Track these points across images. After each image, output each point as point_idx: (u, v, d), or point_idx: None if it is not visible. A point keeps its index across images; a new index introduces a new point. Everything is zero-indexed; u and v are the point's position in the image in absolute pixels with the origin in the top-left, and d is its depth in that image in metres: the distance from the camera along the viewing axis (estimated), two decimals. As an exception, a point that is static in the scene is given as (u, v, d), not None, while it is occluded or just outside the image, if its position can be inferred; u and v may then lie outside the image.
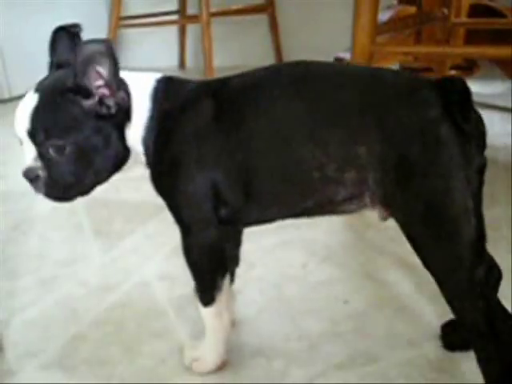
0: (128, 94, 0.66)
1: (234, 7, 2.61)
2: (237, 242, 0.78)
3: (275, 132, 0.63)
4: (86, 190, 0.67)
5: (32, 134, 0.63)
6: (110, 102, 0.64)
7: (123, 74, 0.66)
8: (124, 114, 0.66)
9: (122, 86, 0.65)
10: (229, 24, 2.81)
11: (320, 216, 0.68)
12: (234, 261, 0.78)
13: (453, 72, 2.16)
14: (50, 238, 1.09)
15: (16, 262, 1.01)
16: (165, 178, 0.68)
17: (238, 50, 2.96)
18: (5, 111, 2.42)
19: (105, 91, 0.64)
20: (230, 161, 0.64)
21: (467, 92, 0.62)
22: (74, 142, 0.63)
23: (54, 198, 0.67)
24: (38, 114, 0.63)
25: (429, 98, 0.61)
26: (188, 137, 0.66)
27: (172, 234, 1.07)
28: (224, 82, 0.70)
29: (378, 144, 0.59)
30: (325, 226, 1.07)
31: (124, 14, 2.70)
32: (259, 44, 2.91)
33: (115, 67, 0.63)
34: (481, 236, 0.62)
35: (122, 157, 0.67)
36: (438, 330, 0.76)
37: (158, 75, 0.70)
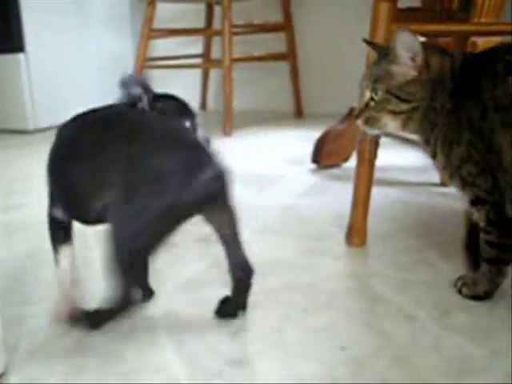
0: None
1: (256, 54, 2.69)
2: None
3: None
4: None
5: None
6: None
7: None
8: None
9: None
10: (251, 69, 2.90)
11: None
12: None
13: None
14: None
15: (27, 288, 1.05)
16: None
17: (258, 95, 3.04)
18: (28, 142, 2.51)
19: None
20: None
21: None
22: None
23: None
24: None
25: None
26: None
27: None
28: None
29: None
30: (328, 272, 1.10)
31: (150, 54, 2.80)
32: (279, 90, 2.99)
33: None
34: None
35: None
36: (430, 382, 0.77)
37: None
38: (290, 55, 2.78)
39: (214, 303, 0.95)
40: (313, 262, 1.15)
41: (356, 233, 1.21)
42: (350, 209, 1.23)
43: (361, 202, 1.21)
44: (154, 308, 0.97)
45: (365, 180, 1.20)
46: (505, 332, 0.88)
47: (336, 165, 1.83)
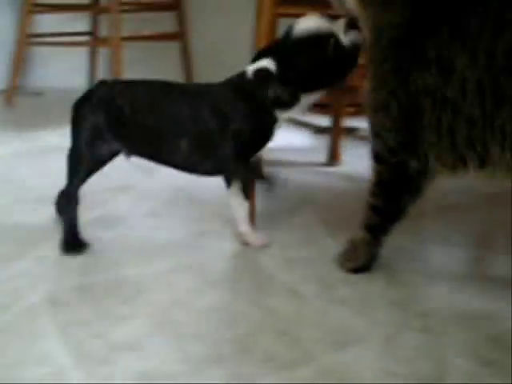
0: None
1: (146, 33, 2.63)
2: None
3: None
4: None
5: None
6: None
7: None
8: None
9: None
10: (141, 48, 2.83)
11: None
12: None
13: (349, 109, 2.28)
14: None
15: None
16: None
17: (148, 74, 2.98)
18: None
19: None
20: None
21: None
22: None
23: None
24: None
25: None
26: None
27: (62, 258, 1.07)
28: None
29: None
30: (217, 253, 1.11)
31: (33, 31, 2.65)
32: (171, 69, 2.94)
33: None
34: None
35: None
36: (315, 354, 0.80)
37: None
38: (181, 35, 2.75)
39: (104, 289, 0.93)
40: (202, 243, 1.15)
41: (245, 213, 1.23)
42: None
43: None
44: (37, 297, 0.94)
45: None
46: (383, 302, 0.94)
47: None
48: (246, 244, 1.12)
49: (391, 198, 0.98)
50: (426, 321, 0.89)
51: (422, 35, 0.89)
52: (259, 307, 0.92)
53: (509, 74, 0.83)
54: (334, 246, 1.14)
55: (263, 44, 1.14)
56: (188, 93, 1.08)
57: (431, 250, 1.13)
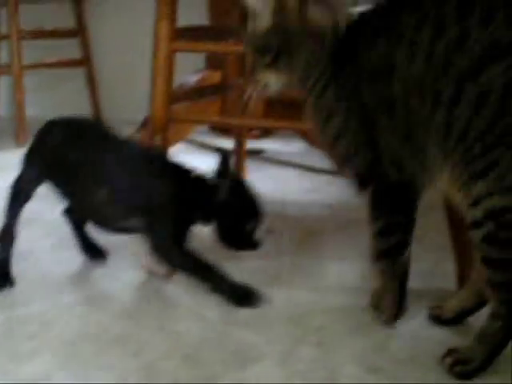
0: None
1: (49, 60, 2.61)
2: None
3: None
4: None
5: None
6: None
7: None
8: None
9: None
10: (45, 75, 2.80)
11: None
12: None
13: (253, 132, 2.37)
14: None
15: None
16: None
17: (54, 102, 2.94)
18: None
19: None
20: None
21: None
22: None
23: None
24: None
25: None
26: None
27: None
28: None
29: None
30: (124, 283, 1.13)
31: None
32: (76, 96, 2.92)
33: None
34: None
35: None
36: (218, 374, 0.85)
37: None
38: (84, 61, 2.74)
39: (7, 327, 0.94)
40: (108, 273, 1.17)
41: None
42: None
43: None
44: None
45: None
46: (281, 319, 1.01)
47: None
48: (150, 273, 1.15)
49: (393, 210, 0.93)
50: (320, 335, 0.96)
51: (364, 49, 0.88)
52: (165, 333, 0.96)
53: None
54: (236, 268, 1.19)
55: (161, 78, 1.19)
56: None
57: (326, 266, 1.21)
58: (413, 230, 0.94)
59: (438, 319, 0.99)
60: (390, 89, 0.85)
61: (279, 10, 0.89)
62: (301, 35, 0.91)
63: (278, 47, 0.91)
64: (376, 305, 1.01)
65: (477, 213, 0.80)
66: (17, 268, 1.17)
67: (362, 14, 0.91)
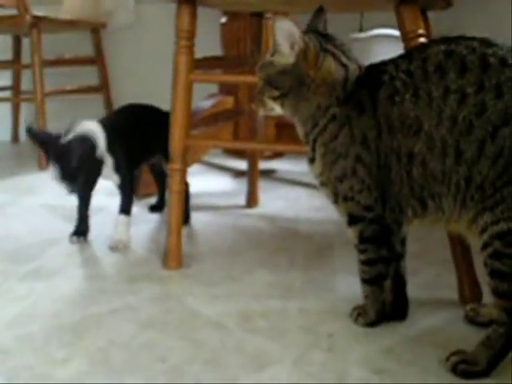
0: None
1: (69, 87, 2.72)
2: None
3: None
4: None
5: None
6: None
7: None
8: None
9: None
10: (65, 101, 2.91)
11: None
12: None
13: (266, 153, 2.47)
14: None
15: None
16: None
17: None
18: None
19: None
20: None
21: None
22: None
23: None
24: None
25: None
26: None
27: None
28: None
29: None
30: (148, 295, 1.22)
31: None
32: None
33: None
34: None
35: None
36: (238, 377, 0.93)
37: None
38: (102, 88, 2.86)
39: (43, 336, 1.02)
40: (134, 287, 1.26)
41: (172, 257, 1.36)
42: (166, 235, 1.37)
43: (174, 228, 1.35)
44: None
45: (176, 209, 1.34)
46: (295, 327, 1.09)
47: (153, 194, 1.96)
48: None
49: (380, 246, 1.04)
50: (331, 341, 1.04)
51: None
52: (188, 341, 1.04)
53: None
54: (251, 281, 1.28)
55: (180, 108, 1.29)
56: None
57: (336, 279, 1.29)
58: (396, 258, 1.07)
59: (472, 321, 1.09)
60: (412, 144, 0.94)
61: (302, 56, 0.98)
62: (313, 84, 0.99)
63: (289, 88, 1.00)
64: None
65: (485, 237, 0.91)
66: (46, 284, 1.27)
67: (379, 65, 0.99)
